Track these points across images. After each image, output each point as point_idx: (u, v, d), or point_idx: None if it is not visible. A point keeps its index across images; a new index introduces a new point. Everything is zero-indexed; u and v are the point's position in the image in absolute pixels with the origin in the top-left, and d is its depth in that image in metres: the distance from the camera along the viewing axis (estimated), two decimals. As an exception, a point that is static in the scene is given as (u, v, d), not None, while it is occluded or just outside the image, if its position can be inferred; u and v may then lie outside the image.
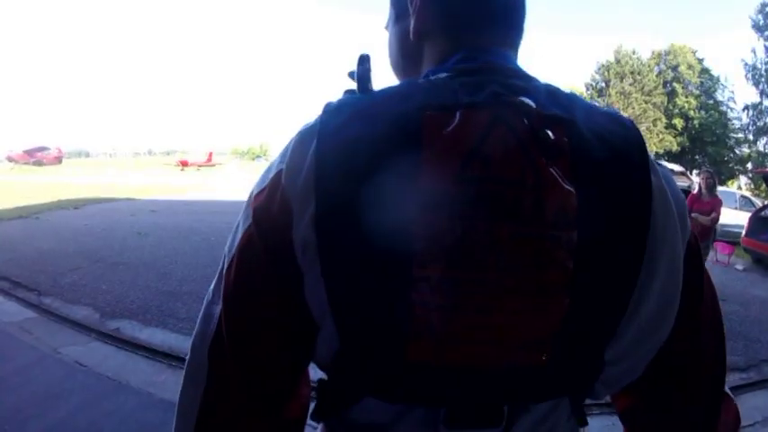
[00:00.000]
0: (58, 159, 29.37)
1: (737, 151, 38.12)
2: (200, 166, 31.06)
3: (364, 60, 0.55)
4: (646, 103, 37.73)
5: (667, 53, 40.32)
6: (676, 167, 14.91)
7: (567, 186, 0.44)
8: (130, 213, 10.66)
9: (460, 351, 0.46)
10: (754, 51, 32.70)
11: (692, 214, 5.80)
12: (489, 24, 0.58)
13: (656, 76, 39.18)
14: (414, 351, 0.46)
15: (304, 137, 0.50)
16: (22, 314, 4.07)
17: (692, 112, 38.30)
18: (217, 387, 0.52)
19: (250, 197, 0.53)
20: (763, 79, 32.29)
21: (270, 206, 0.49)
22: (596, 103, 0.54)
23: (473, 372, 0.48)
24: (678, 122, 38.05)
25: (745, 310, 6.37)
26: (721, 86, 39.17)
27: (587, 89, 41.65)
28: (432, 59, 0.58)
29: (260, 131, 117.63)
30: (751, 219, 11.28)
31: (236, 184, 20.14)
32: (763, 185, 28.81)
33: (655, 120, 37.62)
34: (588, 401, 0.62)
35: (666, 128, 38.00)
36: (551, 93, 0.51)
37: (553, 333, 0.46)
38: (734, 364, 4.14)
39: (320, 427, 0.62)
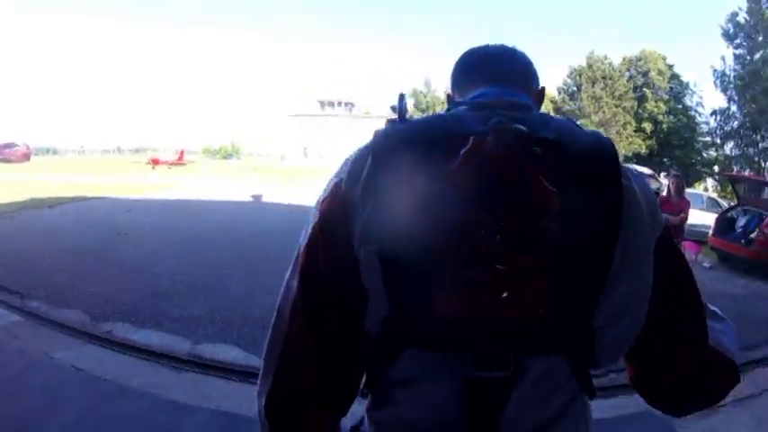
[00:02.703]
0: (26, 156, 28.36)
1: (705, 154, 39.42)
2: (171, 164, 30.40)
3: (402, 98, 0.71)
4: (616, 107, 38.65)
5: (638, 59, 41.42)
6: (646, 170, 15.36)
7: (549, 187, 0.59)
8: (106, 213, 10.47)
9: (478, 307, 0.63)
10: (723, 59, 33.93)
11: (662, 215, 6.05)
12: (497, 75, 0.80)
13: (627, 81, 40.21)
14: (445, 309, 0.63)
15: (360, 155, 0.68)
16: (7, 318, 3.93)
17: (661, 117, 39.48)
18: (294, 336, 0.70)
19: (317, 203, 0.72)
20: (731, 86, 33.37)
21: (333, 208, 0.68)
22: (583, 127, 0.69)
23: (488, 323, 0.64)
24: (647, 126, 39.15)
25: (717, 304, 6.71)
26: (690, 92, 40.58)
27: (559, 93, 42.47)
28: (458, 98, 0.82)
29: (231, 130, 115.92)
30: (717, 219, 11.74)
31: (209, 184, 19.85)
32: (729, 188, 30.14)
33: (625, 123, 38.59)
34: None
35: (636, 131, 39.02)
36: (544, 120, 0.67)
37: (544, 297, 0.63)
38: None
39: (368, 400, 0.77)
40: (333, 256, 0.67)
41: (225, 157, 52.18)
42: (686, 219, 6.47)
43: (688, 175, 36.62)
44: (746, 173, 30.35)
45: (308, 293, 0.69)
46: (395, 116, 0.71)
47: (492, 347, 0.64)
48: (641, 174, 0.74)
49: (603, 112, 38.43)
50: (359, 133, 45.15)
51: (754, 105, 30.71)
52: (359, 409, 0.78)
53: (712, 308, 0.82)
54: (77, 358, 3.25)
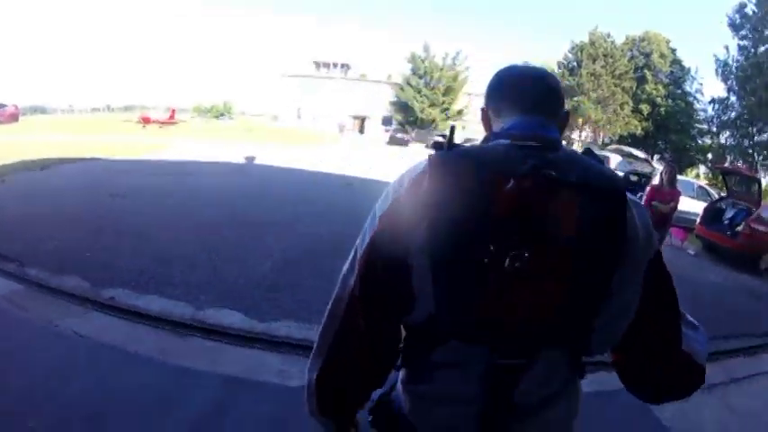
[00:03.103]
0: (14, 117, 27.50)
1: (699, 141, 39.49)
2: (162, 123, 29.78)
3: (453, 129, 0.88)
4: (615, 86, 38.44)
5: (642, 40, 41.01)
6: (640, 154, 15.46)
7: (569, 224, 0.77)
8: (100, 175, 10.32)
9: (509, 311, 0.80)
10: (727, 48, 33.64)
11: (653, 202, 6.25)
12: (529, 103, 0.92)
13: (628, 61, 39.89)
14: (483, 312, 0.81)
15: (418, 177, 0.83)
16: (8, 287, 3.86)
17: (659, 100, 39.34)
18: (349, 324, 0.88)
19: (374, 215, 0.88)
20: (732, 76, 33.16)
21: (393, 223, 0.83)
22: (598, 165, 0.84)
23: (513, 323, 0.82)
24: (645, 108, 39.05)
25: (698, 291, 6.90)
26: (691, 78, 40.50)
27: (559, 67, 42.08)
28: (496, 124, 0.95)
29: (223, 89, 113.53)
30: (706, 209, 11.95)
31: (201, 144, 19.44)
32: (720, 178, 30.33)
33: (622, 103, 38.47)
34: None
35: (633, 112, 38.97)
36: (570, 160, 0.82)
37: (560, 304, 0.81)
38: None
39: (402, 372, 0.97)
40: (390, 263, 0.83)
41: (216, 117, 50.86)
42: (676, 208, 6.61)
43: (681, 161, 36.90)
44: (740, 164, 30.62)
45: (367, 292, 0.86)
46: (440, 139, 0.94)
47: (514, 342, 0.84)
48: (640, 204, 0.90)
49: (602, 89, 38.28)
50: (353, 96, 44.22)
51: (753, 98, 30.62)
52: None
53: (690, 318, 0.99)
54: (81, 326, 3.26)
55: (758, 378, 4.59)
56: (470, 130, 40.84)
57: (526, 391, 0.86)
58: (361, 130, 43.66)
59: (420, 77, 40.15)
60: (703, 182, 25.96)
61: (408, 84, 39.98)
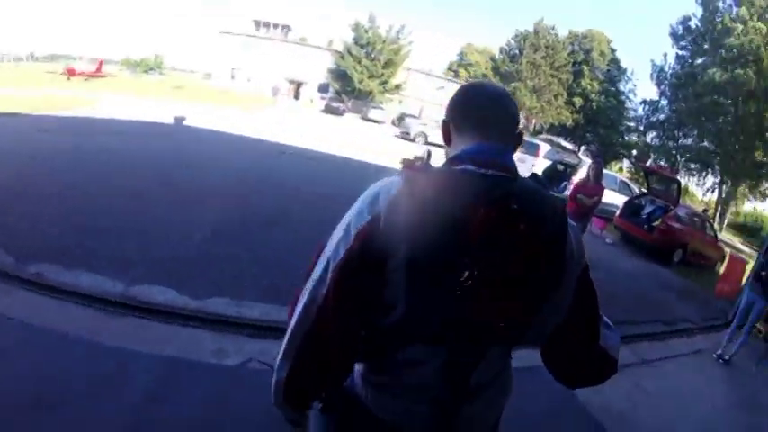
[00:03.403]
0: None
1: (626, 138, 42.02)
2: (88, 76, 27.52)
3: (429, 154, 1.21)
4: (552, 77, 39.87)
5: (584, 36, 42.83)
6: (569, 146, 16.31)
7: (524, 249, 0.93)
8: (18, 133, 9.20)
9: (468, 319, 0.95)
10: (665, 56, 36.10)
11: (578, 196, 6.67)
12: (491, 128, 1.04)
13: (568, 54, 41.49)
14: (447, 318, 0.94)
15: (396, 199, 0.91)
16: None
17: (593, 95, 41.44)
18: (318, 331, 0.95)
19: (347, 229, 0.94)
20: (666, 82, 35.57)
21: (372, 242, 0.90)
22: (544, 192, 0.99)
23: (473, 328, 0.96)
24: (578, 101, 40.93)
25: (613, 278, 7.57)
26: (626, 78, 43.18)
27: (501, 53, 43.15)
28: (459, 144, 1.05)
29: (155, 42, 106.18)
30: (626, 203, 12.89)
31: (129, 101, 18.05)
32: (643, 176, 32.51)
33: (557, 94, 40.03)
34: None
35: (566, 103, 40.69)
36: (525, 190, 0.97)
37: (510, 314, 0.98)
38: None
39: (361, 366, 1.07)
40: (365, 277, 0.91)
41: (146, 71, 47.44)
42: (599, 202, 7.10)
43: (606, 154, 39.14)
44: (663, 163, 32.90)
45: (341, 302, 0.93)
46: (411, 159, 1.03)
47: (468, 343, 0.99)
48: (574, 226, 1.05)
49: (539, 79, 39.57)
50: (291, 60, 42.34)
51: (683, 104, 33.04)
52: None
53: (606, 319, 1.15)
54: (8, 306, 3.02)
55: (666, 361, 5.15)
56: (407, 105, 41.25)
57: (475, 381, 1.02)
58: (297, 96, 42.25)
59: (362, 47, 39.32)
60: (626, 176, 27.80)
61: (349, 52, 38.93)
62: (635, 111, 41.84)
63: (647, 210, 12.34)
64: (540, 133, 39.98)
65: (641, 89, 63.98)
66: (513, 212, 0.92)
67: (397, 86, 40.68)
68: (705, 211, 20.91)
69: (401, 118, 35.23)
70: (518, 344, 1.08)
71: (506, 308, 0.97)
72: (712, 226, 14.39)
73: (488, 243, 0.91)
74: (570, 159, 14.92)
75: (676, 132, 35.22)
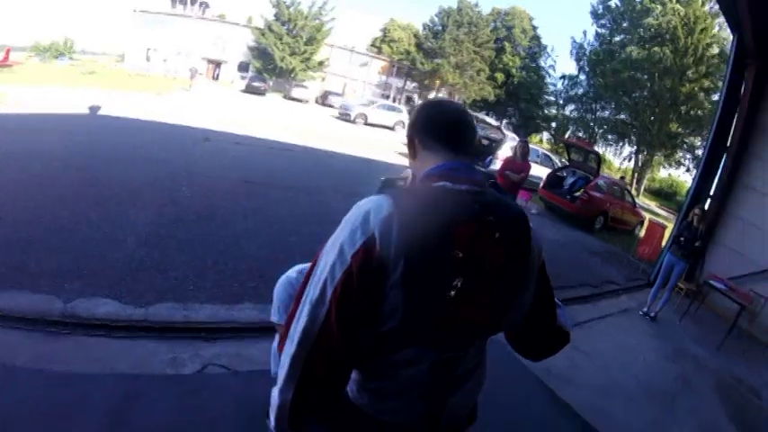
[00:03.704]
0: None
1: (546, 111, 43.94)
2: (-5, 65, 24.67)
3: (413, 176, 1.16)
4: (475, 53, 40.71)
5: (506, 14, 43.97)
6: (493, 122, 16.95)
7: (501, 259, 1.07)
8: None
9: (456, 321, 1.06)
10: (585, 33, 37.82)
11: (506, 172, 7.05)
12: (459, 145, 1.16)
13: (491, 31, 42.45)
14: (438, 322, 1.04)
15: (387, 220, 0.97)
16: None
17: (514, 71, 42.85)
18: (323, 347, 0.99)
19: (341, 250, 0.98)
20: (585, 58, 37.46)
21: (369, 263, 0.96)
22: (509, 200, 1.14)
23: (460, 328, 1.09)
24: (500, 76, 42.20)
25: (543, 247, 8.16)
26: (546, 54, 44.89)
27: (424, 29, 43.43)
28: (425, 166, 1.14)
29: (65, 23, 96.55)
30: (549, 175, 13.67)
31: (41, 91, 16.07)
32: (564, 150, 34.27)
33: (479, 70, 41.02)
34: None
35: (488, 79, 41.78)
36: (496, 201, 1.10)
37: (491, 311, 1.11)
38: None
39: (355, 372, 1.12)
40: (366, 294, 0.97)
41: (56, 57, 43.19)
42: (526, 178, 7.52)
43: (528, 127, 40.89)
44: (581, 134, 34.82)
45: (344, 318, 0.98)
46: (395, 178, 1.15)
47: (455, 341, 1.11)
48: (536, 229, 1.19)
49: (462, 55, 40.27)
50: (210, 38, 39.60)
51: (601, 79, 34.98)
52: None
53: (557, 300, 1.32)
54: None
55: (598, 321, 5.72)
56: (330, 82, 40.72)
57: (460, 373, 1.15)
58: (216, 77, 40.40)
59: (283, 24, 37.97)
60: (546, 147, 29.29)
61: (270, 29, 37.42)
62: (554, 85, 44.18)
63: (569, 181, 13.22)
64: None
65: (561, 65, 67.60)
66: (489, 223, 1.05)
67: (320, 63, 39.91)
68: (622, 178, 22.55)
69: (325, 96, 34.79)
70: (495, 334, 1.22)
71: (489, 307, 1.10)
72: (630, 193, 15.58)
73: (472, 253, 1.02)
74: (494, 135, 15.53)
75: (594, 105, 37.40)
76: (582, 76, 38.49)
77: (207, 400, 2.67)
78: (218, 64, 40.58)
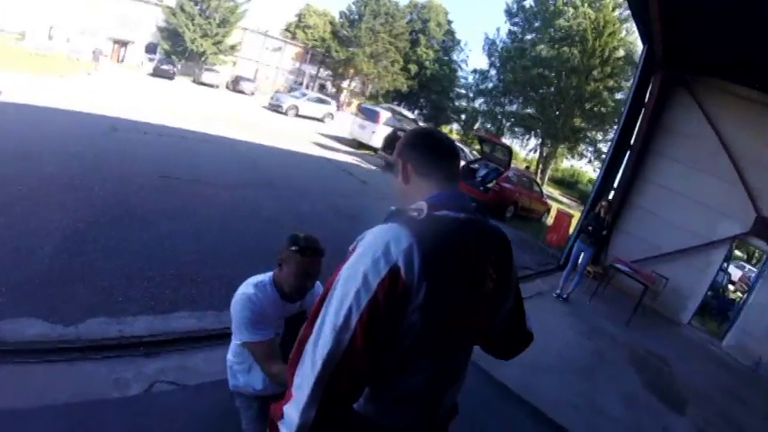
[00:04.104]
0: None
1: (457, 104, 45.36)
2: None
3: (429, 207, 1.18)
4: (390, 44, 40.97)
5: (423, 7, 44.60)
6: (410, 114, 17.30)
7: (492, 271, 1.20)
8: None
9: (457, 333, 1.19)
10: (498, 30, 39.15)
11: None
12: (452, 173, 1.27)
13: (407, 23, 42.83)
14: (443, 337, 1.15)
15: (408, 250, 1.04)
16: None
17: (427, 63, 43.74)
18: (345, 370, 1.03)
19: (365, 278, 1.02)
20: (497, 54, 38.80)
21: (395, 290, 1.02)
22: (494, 225, 1.28)
23: (460, 339, 1.22)
24: (413, 68, 42.89)
25: None
26: (459, 49, 46.21)
27: (341, 17, 43.03)
28: (422, 193, 1.22)
29: None
30: (463, 167, 14.14)
31: None
32: (471, 133, 36.08)
33: (394, 61, 41.39)
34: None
35: (402, 70, 42.31)
36: (486, 223, 1.24)
37: (486, 321, 1.27)
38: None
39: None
40: (390, 318, 1.04)
41: None
42: None
43: (438, 118, 42.13)
44: (489, 126, 36.45)
45: (369, 342, 1.02)
46: (413, 214, 1.15)
47: (455, 351, 1.24)
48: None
49: (377, 45, 40.33)
50: (116, 17, 35.73)
51: (511, 75, 36.52)
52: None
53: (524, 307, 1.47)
54: None
55: (535, 297, 6.21)
56: (242, 67, 38.90)
57: (454, 374, 1.27)
58: (121, 59, 37.06)
59: (195, 4, 35.57)
60: (455, 137, 30.36)
61: (182, 9, 34.79)
62: (466, 79, 45.43)
63: (482, 172, 13.82)
64: (376, 98, 41.36)
65: (473, 59, 70.03)
66: (487, 247, 1.21)
67: (232, 47, 38.04)
68: (527, 168, 23.98)
69: (236, 81, 33.31)
70: (483, 338, 1.39)
71: (487, 317, 1.27)
72: (538, 184, 16.64)
73: (476, 274, 1.17)
74: (410, 127, 15.85)
75: (503, 99, 39.11)
76: (492, 72, 40.01)
77: (160, 421, 2.53)
78: (124, 44, 37.08)
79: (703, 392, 5.72)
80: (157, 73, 30.15)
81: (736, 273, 15.96)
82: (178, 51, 35.20)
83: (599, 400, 4.44)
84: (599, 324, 6.61)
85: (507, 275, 1.28)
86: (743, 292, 11.65)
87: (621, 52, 32.37)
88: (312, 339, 1.06)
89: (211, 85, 31.50)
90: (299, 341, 1.10)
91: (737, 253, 19.02)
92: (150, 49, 36.49)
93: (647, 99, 8.50)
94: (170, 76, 30.03)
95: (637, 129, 8.68)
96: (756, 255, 17.98)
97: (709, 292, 8.85)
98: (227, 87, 33.32)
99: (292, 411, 1.05)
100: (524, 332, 1.46)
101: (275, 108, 26.02)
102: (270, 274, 2.18)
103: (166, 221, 5.31)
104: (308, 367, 1.04)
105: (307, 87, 39.90)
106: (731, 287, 11.62)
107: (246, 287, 2.09)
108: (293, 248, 2.04)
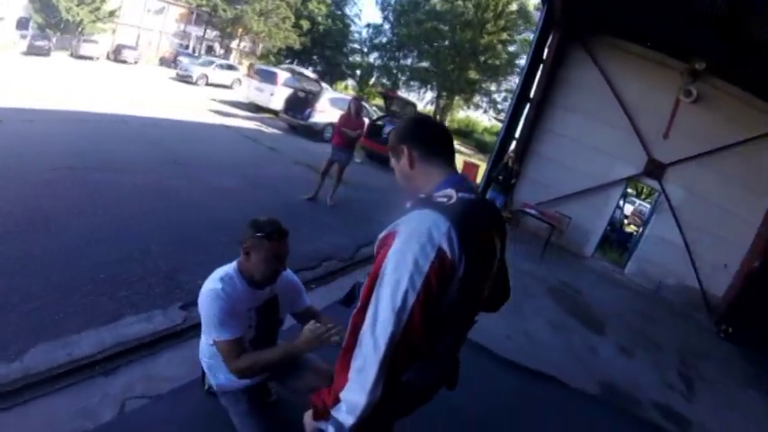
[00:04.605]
0: None
1: (351, 59, 44.61)
2: None
3: (461, 198, 1.28)
4: (281, 0, 38.86)
5: (313, -41, 42.20)
6: (311, 75, 16.76)
7: (497, 242, 1.39)
8: None
9: (479, 307, 1.41)
10: None
11: (343, 129, 7.18)
12: (452, 158, 1.42)
13: (297, -24, 40.56)
14: (471, 314, 1.40)
15: (449, 234, 1.15)
16: None
17: (320, 18, 42.12)
18: (407, 345, 1.14)
19: (416, 262, 1.12)
20: (390, 8, 38.57)
21: (444, 271, 1.14)
22: (492, 201, 1.68)
23: (479, 300, 1.37)
24: (305, 24, 41.16)
25: (376, 197, 8.73)
26: (352, 3, 44.79)
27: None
28: (431, 178, 1.35)
29: None
30: (369, 125, 14.19)
31: None
32: (367, 88, 35.99)
33: (285, 17, 39.31)
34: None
35: (294, 27, 40.45)
36: (490, 202, 1.49)
37: (497, 293, 1.54)
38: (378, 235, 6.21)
39: None
40: (441, 295, 1.15)
41: None
42: (362, 134, 7.75)
43: (333, 74, 41.28)
44: (385, 82, 36.36)
45: (425, 318, 1.13)
46: (443, 200, 1.25)
47: (473, 317, 1.43)
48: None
49: (266, 2, 38.12)
50: None
51: (405, 29, 36.44)
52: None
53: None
54: None
55: None
56: (122, 34, 34.88)
57: (465, 336, 1.46)
58: None
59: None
60: (351, 93, 30.01)
61: None
62: (360, 34, 44.72)
63: (387, 129, 13.90)
64: (267, 57, 39.52)
65: (367, 14, 69.12)
66: (495, 221, 1.37)
67: (111, 13, 33.61)
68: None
69: (118, 50, 29.93)
70: None
71: (497, 284, 1.46)
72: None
73: (491, 246, 1.33)
74: (311, 87, 15.39)
75: (398, 54, 39.20)
76: (387, 26, 39.94)
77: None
78: (-12, 21, 31.03)
79: (617, 314, 6.48)
80: (32, 50, 25.59)
81: (628, 208, 17.61)
82: (53, 24, 30.35)
83: (531, 329, 4.89)
84: (517, 263, 7.07)
85: (505, 242, 1.45)
86: (636, 225, 13.07)
87: (515, 6, 33.60)
88: (368, 324, 1.14)
89: (91, 58, 27.65)
90: (352, 329, 1.19)
91: (629, 190, 21.33)
92: (23, 24, 30.87)
93: (545, 55, 8.97)
94: (46, 53, 25.85)
95: (536, 82, 9.17)
96: (644, 191, 20.18)
97: (608, 227, 9.75)
98: (108, 58, 29.70)
99: (355, 395, 1.13)
100: (508, 288, 1.63)
101: (184, 78, 24.40)
102: (233, 264, 2.08)
103: (79, 220, 4.61)
104: (369, 350, 1.13)
105: (194, 51, 36.98)
106: (625, 221, 13.00)
107: (213, 282, 2.00)
108: (259, 235, 1.98)
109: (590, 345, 5.07)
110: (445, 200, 1.23)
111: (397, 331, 1.11)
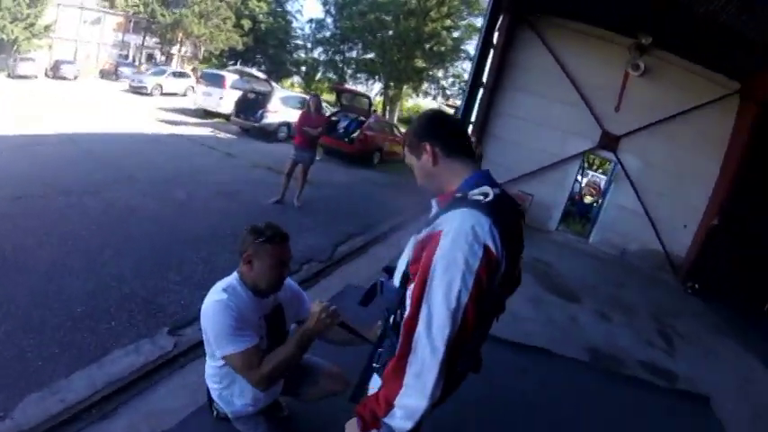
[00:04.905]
0: None
1: (295, 56, 43.82)
2: None
3: (494, 196, 1.28)
4: (220, 1, 37.71)
5: (251, -43, 41.01)
6: (261, 75, 16.40)
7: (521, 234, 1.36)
8: None
9: (513, 288, 1.43)
10: None
11: (304, 128, 7.12)
12: (472, 153, 1.42)
13: (234, -24, 39.43)
14: (509, 290, 1.39)
15: (491, 231, 1.16)
16: None
17: (261, 17, 41.11)
18: (458, 345, 1.16)
19: (466, 261, 1.13)
20: (331, 2, 37.70)
21: (491, 267, 1.16)
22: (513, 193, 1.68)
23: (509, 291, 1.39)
24: (246, 23, 40.09)
25: (339, 192, 8.80)
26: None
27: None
28: (456, 174, 1.36)
29: None
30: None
31: None
32: (314, 85, 35.51)
33: (225, 18, 38.22)
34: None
35: (235, 27, 39.40)
36: (510, 195, 1.35)
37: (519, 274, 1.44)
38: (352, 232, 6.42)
39: None
40: (490, 290, 1.18)
41: None
42: (324, 132, 7.70)
43: (279, 72, 40.51)
44: (332, 77, 35.98)
45: (477, 315, 1.16)
46: (479, 198, 1.24)
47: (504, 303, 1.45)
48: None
49: (206, 3, 36.93)
50: None
51: (348, 22, 35.89)
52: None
53: None
54: None
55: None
56: (59, 49, 33.07)
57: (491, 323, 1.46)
58: None
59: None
60: (298, 91, 29.51)
61: None
62: (302, 29, 43.79)
63: (344, 124, 13.90)
64: (210, 60, 38.41)
65: (308, 9, 68.24)
66: (516, 213, 1.35)
67: (47, 28, 31.68)
68: (374, 111, 24.48)
69: (56, 67, 28.29)
70: None
71: (515, 281, 1.42)
72: (396, 127, 17.20)
73: (519, 239, 1.33)
74: (262, 87, 15.13)
75: (342, 47, 38.64)
76: (329, 20, 39.15)
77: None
78: None
79: (588, 283, 6.76)
80: (-31, 75, 23.81)
81: (583, 180, 18.25)
82: (-13, 44, 28.36)
83: (511, 306, 4.93)
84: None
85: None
86: (592, 196, 13.51)
87: (457, -8, 33.63)
88: (422, 327, 1.15)
89: (28, 77, 25.93)
90: (405, 334, 1.18)
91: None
92: (-47, 46, 28.74)
93: (495, 39, 9.10)
94: None
95: (488, 67, 9.33)
96: (596, 162, 20.92)
97: (568, 201, 10.11)
98: (47, 75, 27.96)
99: (414, 400, 1.14)
100: (520, 275, 1.61)
101: (138, 90, 23.64)
102: (234, 276, 2.00)
103: (42, 250, 4.30)
104: (426, 354, 1.14)
105: (134, 60, 35.48)
106: (582, 192, 13.44)
107: (216, 294, 1.90)
108: (260, 240, 1.91)
109: (570, 315, 5.28)
110: (482, 197, 1.23)
111: (453, 332, 1.14)
